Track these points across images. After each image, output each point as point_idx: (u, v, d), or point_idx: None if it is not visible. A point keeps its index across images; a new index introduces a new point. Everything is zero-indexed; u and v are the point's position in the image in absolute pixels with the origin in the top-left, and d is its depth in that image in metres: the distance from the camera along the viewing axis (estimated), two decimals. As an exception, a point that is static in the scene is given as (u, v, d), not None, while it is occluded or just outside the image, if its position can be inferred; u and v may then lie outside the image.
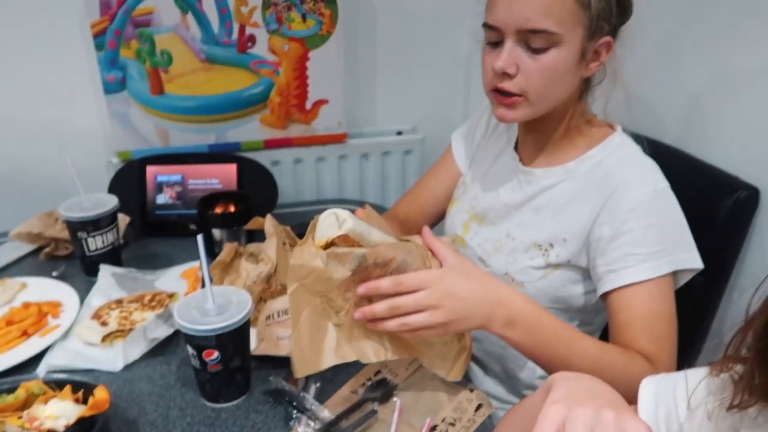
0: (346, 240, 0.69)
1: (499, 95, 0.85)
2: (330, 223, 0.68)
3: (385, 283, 0.70)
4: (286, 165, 1.55)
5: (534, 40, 0.79)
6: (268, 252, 0.97)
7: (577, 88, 0.88)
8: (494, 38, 0.84)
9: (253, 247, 1.07)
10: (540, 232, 0.91)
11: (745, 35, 1.00)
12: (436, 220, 1.16)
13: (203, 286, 0.79)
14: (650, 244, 0.80)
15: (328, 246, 0.68)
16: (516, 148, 1.00)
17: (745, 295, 1.03)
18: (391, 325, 0.71)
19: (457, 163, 1.13)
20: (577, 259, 0.87)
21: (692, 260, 0.83)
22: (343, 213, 0.69)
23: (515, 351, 0.77)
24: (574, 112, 0.91)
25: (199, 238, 0.76)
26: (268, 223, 1.01)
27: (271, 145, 1.51)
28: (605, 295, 0.84)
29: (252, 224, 1.07)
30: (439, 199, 1.14)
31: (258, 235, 1.13)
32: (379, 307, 0.71)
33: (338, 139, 1.55)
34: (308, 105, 1.49)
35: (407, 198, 1.18)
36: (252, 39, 1.38)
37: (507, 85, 0.83)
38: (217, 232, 1.17)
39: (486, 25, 0.84)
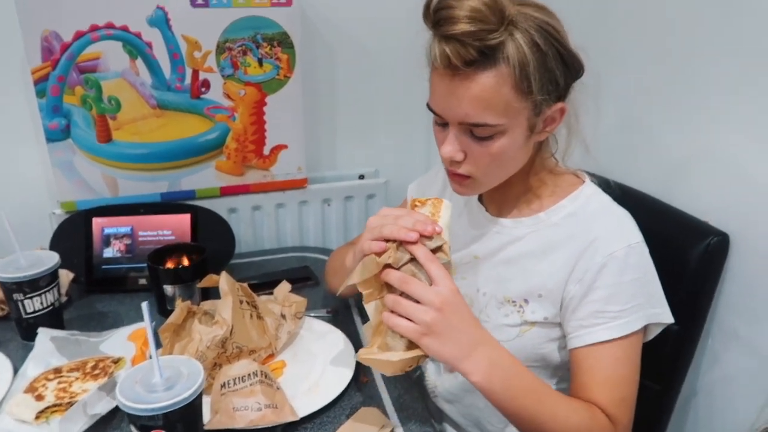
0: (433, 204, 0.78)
1: (452, 173, 0.84)
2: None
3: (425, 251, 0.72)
4: (244, 212, 1.49)
5: (477, 131, 0.76)
6: (224, 314, 0.90)
7: (533, 146, 0.85)
8: (440, 120, 0.81)
9: (208, 304, 1.01)
10: (512, 287, 0.87)
11: (710, 75, 1.01)
12: None
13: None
14: (622, 301, 0.79)
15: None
16: (480, 200, 0.97)
17: (719, 341, 1.03)
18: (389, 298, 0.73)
19: None
20: (554, 317, 0.84)
21: (663, 315, 0.82)
22: (449, 205, 0.78)
23: (492, 416, 0.74)
24: (533, 166, 0.88)
25: (144, 306, 0.69)
26: (223, 281, 0.95)
27: (227, 192, 1.45)
28: (572, 350, 0.83)
29: (206, 282, 1.01)
30: None
31: (214, 291, 1.07)
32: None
33: (298, 184, 1.51)
34: (266, 150, 1.44)
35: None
36: (206, 84, 1.34)
37: (456, 169, 0.82)
38: (169, 288, 1.11)
39: (430, 109, 0.81)
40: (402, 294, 0.72)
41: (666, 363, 1.00)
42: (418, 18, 0.76)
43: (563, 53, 0.76)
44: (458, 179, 0.83)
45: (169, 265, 1.14)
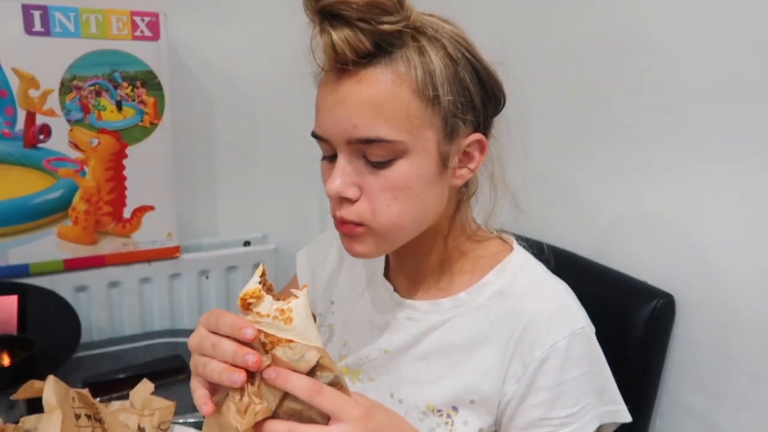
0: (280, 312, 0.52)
1: (339, 222, 0.66)
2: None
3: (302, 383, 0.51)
4: (97, 291, 1.25)
5: (371, 152, 0.62)
6: (46, 438, 0.64)
7: (451, 201, 0.70)
8: (328, 152, 0.66)
9: (32, 421, 0.77)
10: (436, 391, 0.70)
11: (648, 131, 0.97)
12: None
13: None
14: (570, 403, 0.64)
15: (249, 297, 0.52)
16: (387, 275, 0.79)
17: (671, 418, 0.93)
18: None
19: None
20: (491, 426, 0.68)
21: (618, 414, 0.68)
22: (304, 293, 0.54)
23: None
24: (451, 228, 0.72)
25: None
26: (49, 391, 0.71)
27: (74, 265, 1.20)
28: None
29: (24, 392, 0.75)
30: None
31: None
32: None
33: (168, 254, 1.30)
34: (127, 213, 1.23)
35: None
36: (45, 130, 1.10)
37: (346, 213, 0.64)
38: (-22, 400, 0.83)
39: (315, 136, 0.66)
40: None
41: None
42: (308, 58, 0.63)
43: (479, 69, 0.64)
44: (349, 229, 0.66)
45: (-19, 367, 0.90)
